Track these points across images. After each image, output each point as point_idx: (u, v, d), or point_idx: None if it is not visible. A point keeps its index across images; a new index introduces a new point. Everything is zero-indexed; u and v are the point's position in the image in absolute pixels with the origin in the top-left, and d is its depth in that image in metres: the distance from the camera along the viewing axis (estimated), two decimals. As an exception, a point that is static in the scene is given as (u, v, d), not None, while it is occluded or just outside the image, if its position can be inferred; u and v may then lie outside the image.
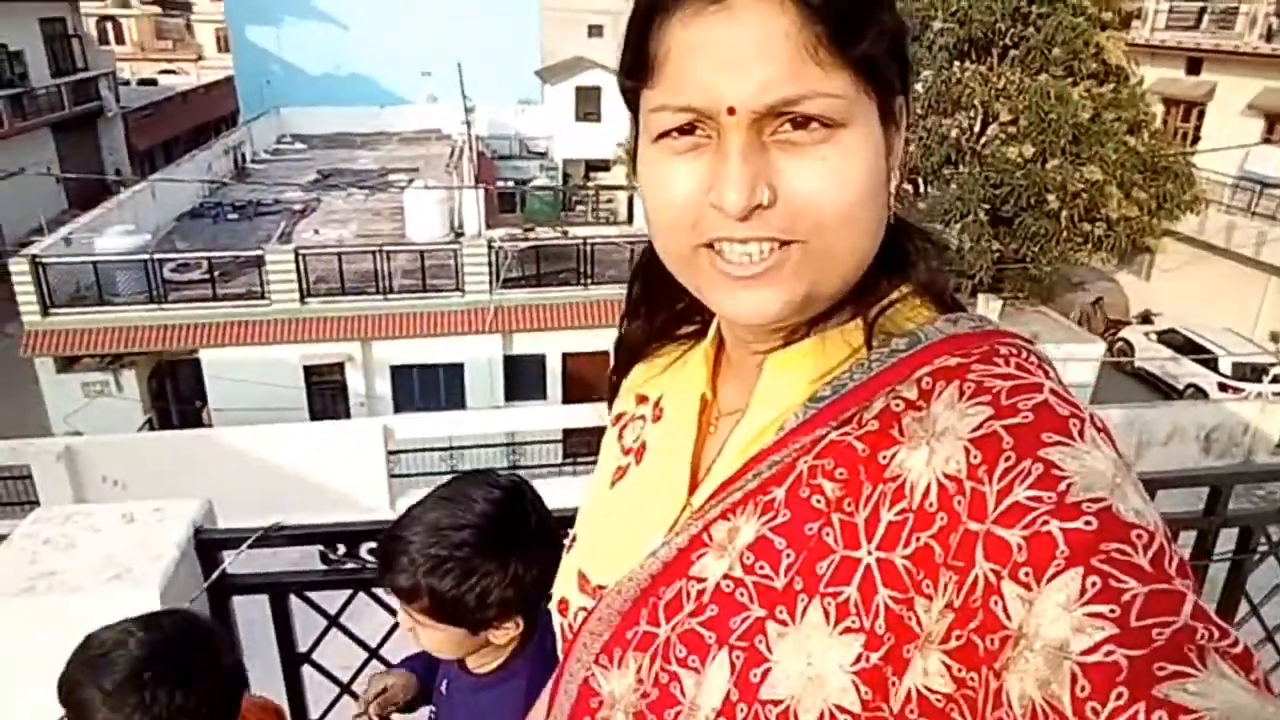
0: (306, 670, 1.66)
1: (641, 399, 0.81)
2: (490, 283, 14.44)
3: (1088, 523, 0.45)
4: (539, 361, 15.25)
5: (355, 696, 1.61)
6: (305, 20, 27.17)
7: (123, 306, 13.52)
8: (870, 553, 0.54)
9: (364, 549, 1.49)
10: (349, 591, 1.56)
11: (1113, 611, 0.42)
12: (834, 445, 0.59)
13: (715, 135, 0.56)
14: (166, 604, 1.35)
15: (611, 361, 0.85)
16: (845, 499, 0.57)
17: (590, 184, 25.08)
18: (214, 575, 1.45)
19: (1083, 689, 0.41)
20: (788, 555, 0.58)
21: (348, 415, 13.99)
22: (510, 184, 23.53)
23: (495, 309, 14.46)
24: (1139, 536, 0.45)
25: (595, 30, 27.48)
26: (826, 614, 0.54)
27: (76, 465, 9.59)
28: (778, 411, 0.63)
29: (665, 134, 0.58)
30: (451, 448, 12.19)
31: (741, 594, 0.59)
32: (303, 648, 1.63)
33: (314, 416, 13.85)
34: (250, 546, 1.45)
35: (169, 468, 9.29)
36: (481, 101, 22.29)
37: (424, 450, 11.76)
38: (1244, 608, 1.91)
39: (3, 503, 10.20)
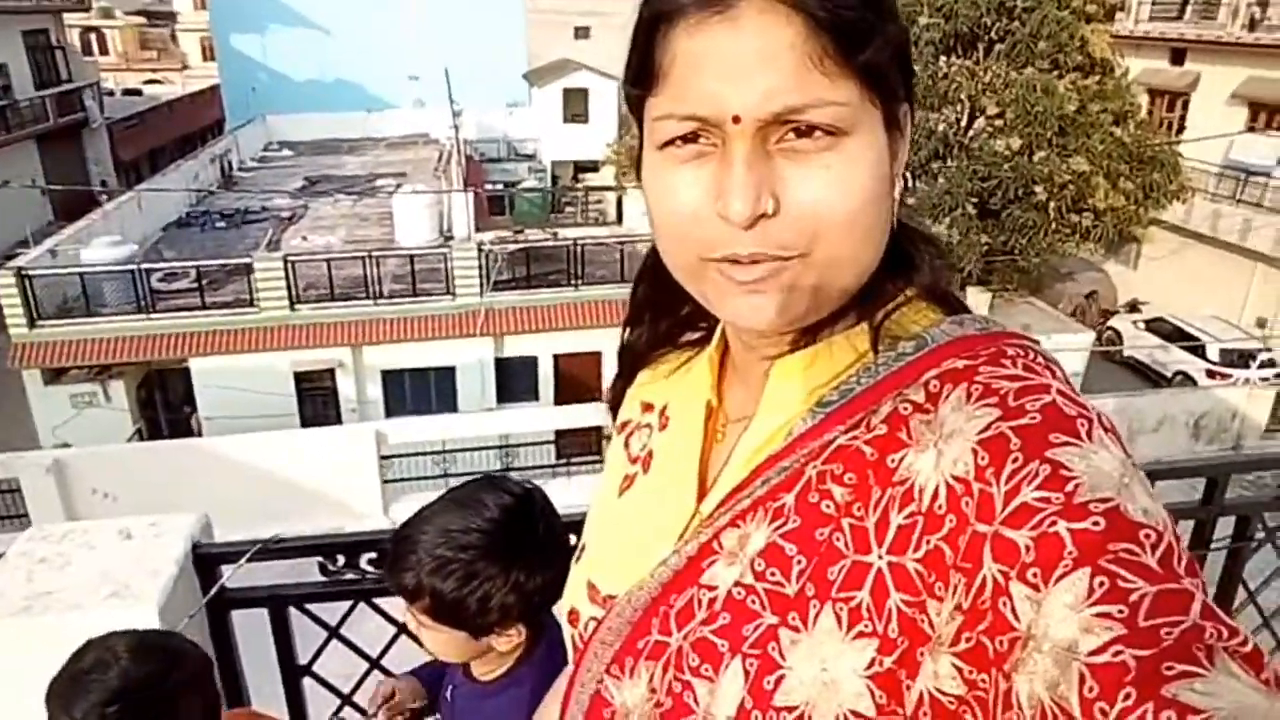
0: (307, 682, 1.65)
1: (647, 406, 0.81)
2: (481, 285, 14.43)
3: (1095, 523, 0.45)
4: (530, 363, 15.25)
5: (356, 707, 1.60)
6: (290, 27, 27.09)
7: (110, 317, 13.44)
8: (881, 557, 0.54)
9: (364, 560, 1.48)
10: (349, 602, 1.55)
11: (1121, 612, 0.42)
12: (842, 450, 0.59)
13: (720, 144, 0.56)
14: (165, 621, 1.34)
15: (616, 368, 0.85)
16: (855, 503, 0.57)
17: (579, 185, 25.07)
18: (213, 591, 1.44)
19: (1091, 689, 0.41)
20: (799, 561, 0.58)
21: (339, 421, 13.95)
22: (499, 187, 23.51)
23: (486, 312, 14.44)
24: (1147, 536, 0.45)
25: (581, 32, 27.47)
26: (839, 619, 0.54)
27: (66, 478, 9.54)
28: (785, 417, 0.63)
29: (670, 142, 0.58)
30: (444, 451, 12.17)
31: (753, 601, 0.59)
32: (303, 659, 1.62)
33: (305, 423, 13.79)
34: (249, 560, 1.44)
35: (160, 478, 9.25)
36: (469, 105, 22.26)
37: (417, 455, 11.74)
38: (1240, 595, 1.92)
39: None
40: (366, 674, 1.61)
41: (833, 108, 0.54)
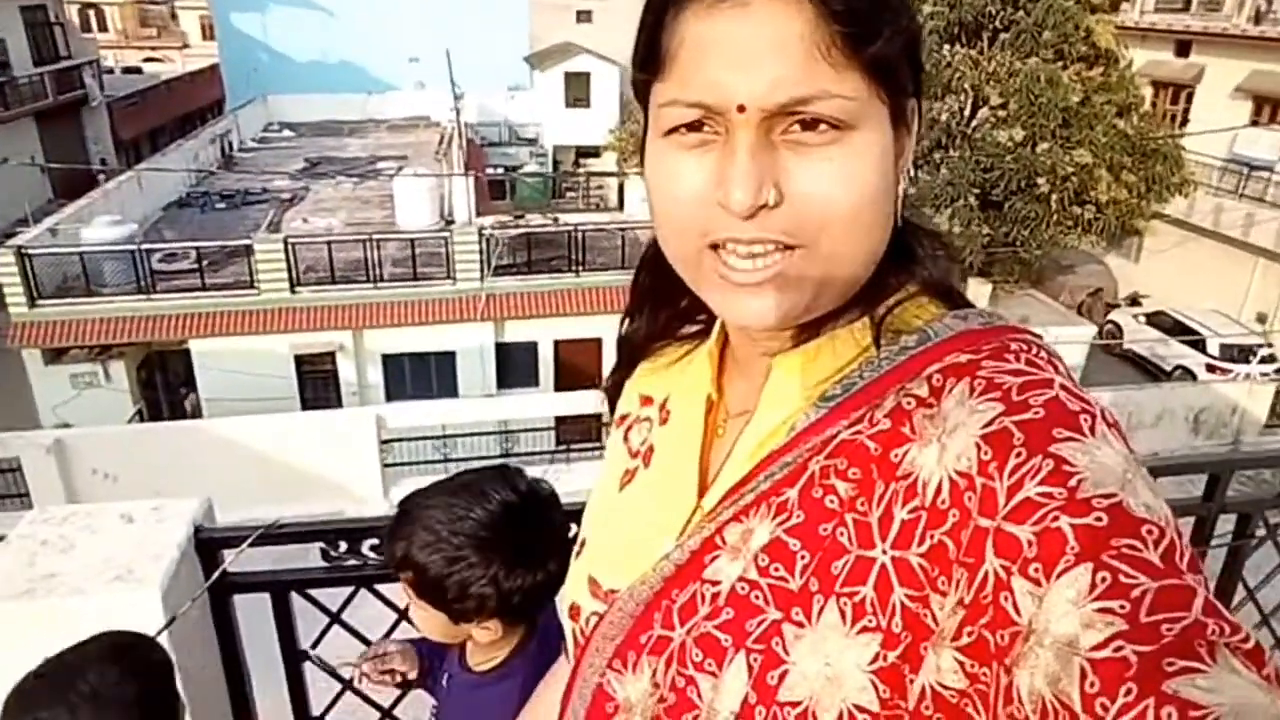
0: (308, 666, 1.65)
1: (646, 400, 0.80)
2: (481, 270, 14.40)
3: (1098, 519, 0.45)
4: (531, 349, 15.24)
5: (358, 693, 1.61)
6: (291, 6, 26.93)
7: (110, 297, 13.41)
8: (885, 552, 0.54)
9: (365, 546, 1.49)
10: (350, 588, 1.55)
11: (1122, 607, 0.42)
12: (846, 444, 0.58)
13: (724, 132, 0.55)
14: (168, 605, 1.34)
15: (615, 359, 0.84)
16: (859, 498, 0.56)
17: (580, 170, 24.99)
18: (215, 575, 1.44)
19: (1092, 685, 0.41)
20: (802, 556, 0.58)
21: (339, 405, 13.95)
22: (500, 171, 23.42)
23: (486, 297, 14.42)
24: (1149, 532, 0.45)
25: (584, 15, 27.30)
26: (843, 614, 0.54)
27: (66, 458, 9.55)
28: (787, 412, 0.63)
29: (674, 129, 0.57)
30: (444, 436, 12.18)
31: (757, 596, 0.59)
32: (304, 644, 1.62)
33: (305, 406, 13.81)
34: (251, 545, 1.44)
35: (160, 460, 9.26)
36: (470, 88, 22.16)
37: (417, 439, 11.76)
38: (1240, 592, 1.93)
39: (-7, 496, 10.15)
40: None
41: (839, 101, 0.53)
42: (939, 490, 0.52)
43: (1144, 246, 19.04)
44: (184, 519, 1.47)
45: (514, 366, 15.20)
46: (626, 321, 0.81)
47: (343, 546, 1.48)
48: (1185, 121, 19.48)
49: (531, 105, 25.59)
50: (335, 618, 1.58)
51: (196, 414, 13.68)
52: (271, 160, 21.30)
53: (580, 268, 14.92)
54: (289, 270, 13.76)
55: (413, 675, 1.35)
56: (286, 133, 24.56)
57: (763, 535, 0.60)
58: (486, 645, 1.21)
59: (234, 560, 1.47)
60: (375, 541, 1.48)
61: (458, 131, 19.62)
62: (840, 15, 0.52)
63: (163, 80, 33.29)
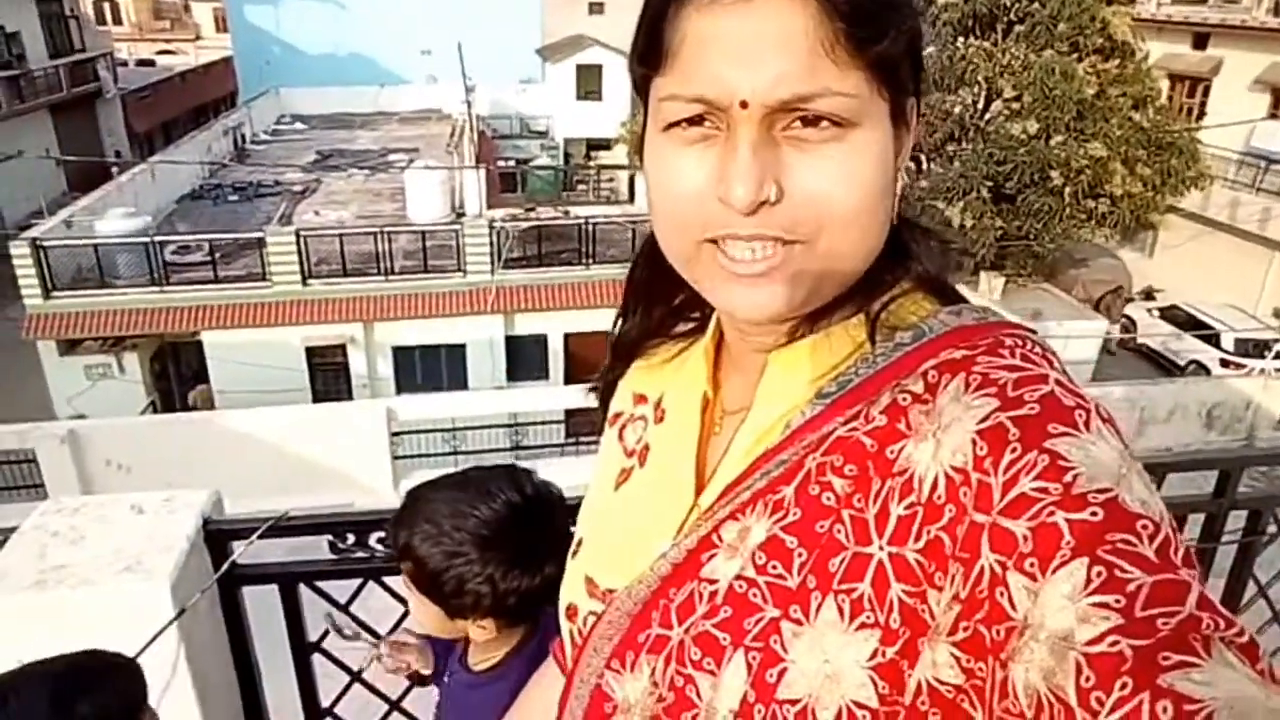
0: (316, 658, 1.66)
1: (640, 398, 0.80)
2: (492, 263, 14.42)
3: (1094, 514, 0.45)
4: (541, 342, 15.27)
5: (366, 685, 1.62)
6: (303, -1, 26.97)
7: (124, 289, 13.52)
8: (882, 548, 0.54)
9: (373, 538, 1.49)
10: (358, 580, 1.56)
11: (1118, 602, 0.42)
12: (842, 441, 0.58)
13: (725, 128, 0.55)
14: (177, 596, 1.35)
15: (608, 358, 0.84)
16: (855, 495, 0.56)
17: (591, 163, 24.96)
18: (224, 567, 1.45)
19: (1087, 679, 0.41)
20: (800, 554, 0.57)
21: (350, 397, 14.01)
22: (511, 163, 23.42)
23: (497, 289, 14.45)
24: (1144, 527, 0.45)
25: (596, 8, 27.25)
26: (841, 611, 0.54)
27: (81, 449, 9.63)
28: (783, 409, 0.63)
29: (675, 124, 0.57)
30: (454, 429, 12.22)
31: (755, 594, 0.59)
32: (313, 636, 1.63)
33: (316, 398, 13.88)
34: (260, 537, 1.45)
35: (173, 451, 9.33)
36: (482, 80, 22.15)
37: (427, 432, 11.80)
38: (1251, 589, 1.92)
39: (9, 486, 10.24)
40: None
41: (841, 98, 0.53)
42: (935, 486, 0.52)
43: (1158, 240, 18.90)
44: (194, 511, 1.48)
45: (524, 359, 15.23)
46: (619, 321, 0.81)
47: (351, 539, 1.49)
48: (1202, 114, 19.30)
49: (543, 98, 25.58)
50: (344, 610, 1.58)
51: (194, 408, 13.74)
52: (283, 153, 21.37)
53: (590, 260, 14.93)
54: (301, 263, 13.82)
55: (426, 671, 1.36)
56: (298, 125, 24.62)
57: (760, 533, 0.60)
58: (485, 644, 1.21)
59: (243, 552, 1.48)
60: (383, 534, 1.49)
61: (469, 124, 19.63)
62: (844, 12, 0.52)
63: (176, 73, 33.47)
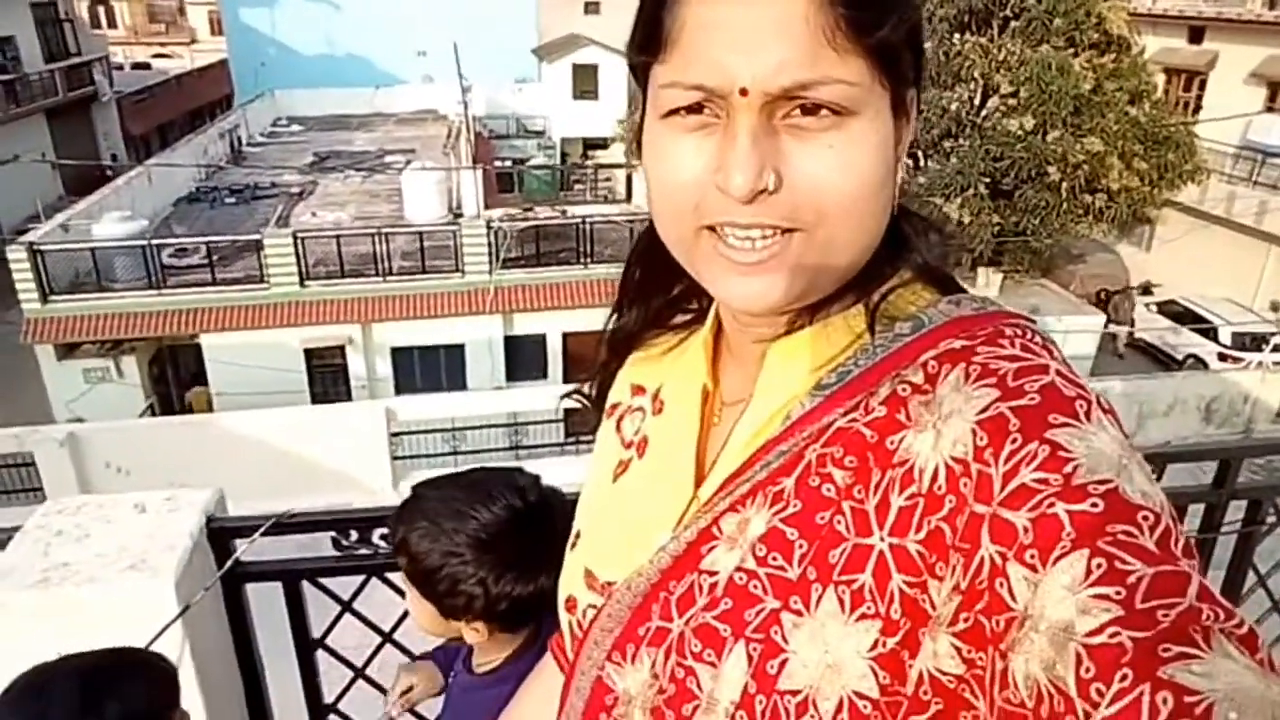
0: (321, 654, 1.67)
1: (638, 389, 0.80)
2: (490, 263, 14.42)
3: (1094, 505, 0.45)
4: (539, 341, 15.26)
5: (370, 681, 1.62)
6: (298, 1, 26.91)
7: (122, 293, 13.50)
8: (883, 539, 0.54)
9: (376, 535, 1.50)
10: (361, 577, 1.56)
11: (1118, 593, 0.42)
12: (842, 432, 0.58)
13: (725, 116, 0.55)
14: (181, 594, 1.35)
15: (604, 350, 0.83)
16: (855, 486, 0.56)
17: (588, 162, 24.95)
18: (228, 564, 1.45)
19: (1087, 670, 0.41)
20: (800, 545, 0.57)
21: (349, 398, 14.00)
22: (508, 164, 23.40)
23: (495, 289, 14.44)
24: (1145, 518, 0.45)
25: (591, 7, 27.21)
26: (841, 602, 0.54)
27: (80, 452, 9.62)
28: (782, 400, 0.63)
29: (674, 111, 0.57)
30: (454, 429, 12.21)
31: (755, 586, 0.59)
32: (316, 633, 1.64)
33: (315, 400, 13.88)
34: (262, 534, 1.45)
35: (172, 453, 9.32)
36: (478, 81, 22.12)
37: (426, 432, 11.79)
38: (1250, 579, 1.92)
39: (7, 490, 10.23)
40: (379, 647, 1.63)
41: (842, 86, 0.53)
42: (935, 477, 0.52)
43: (1155, 235, 18.90)
44: (196, 509, 1.48)
45: (523, 359, 15.22)
46: (614, 316, 0.80)
47: (354, 536, 1.49)
48: (1198, 108, 19.31)
49: (539, 97, 25.55)
50: (347, 606, 1.59)
51: (191, 410, 13.72)
52: (280, 155, 21.34)
53: (589, 259, 14.92)
54: (298, 264, 13.81)
55: (436, 690, 1.36)
56: (295, 127, 24.59)
57: (759, 525, 0.60)
58: (486, 647, 1.21)
59: (246, 550, 1.48)
60: (386, 531, 1.49)
61: (465, 125, 19.60)
62: None
63: (172, 76, 33.42)
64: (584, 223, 15.20)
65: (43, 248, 13.28)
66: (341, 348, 14.40)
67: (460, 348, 14.87)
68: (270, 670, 1.68)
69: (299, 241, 13.87)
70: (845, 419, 0.58)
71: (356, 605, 1.59)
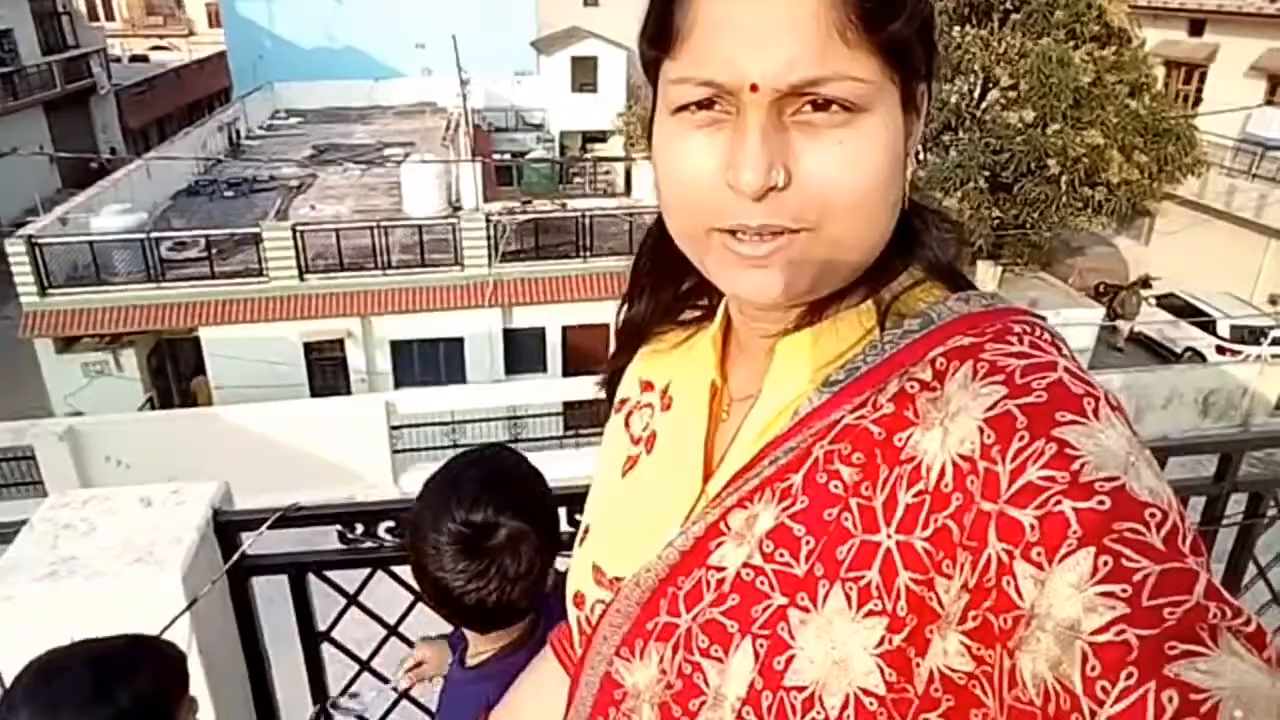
0: (326, 647, 1.67)
1: (647, 385, 0.80)
2: (489, 256, 14.40)
3: (1101, 502, 0.45)
4: (539, 335, 15.25)
5: (375, 673, 1.63)
6: (297, -7, 26.82)
7: (121, 286, 13.47)
8: (890, 536, 0.54)
9: (381, 528, 1.50)
10: (367, 570, 1.57)
11: (1124, 591, 0.42)
12: (850, 429, 0.58)
13: (735, 112, 0.55)
14: (188, 586, 1.36)
15: (613, 344, 0.83)
16: (863, 483, 0.56)
17: (588, 156, 24.90)
18: (234, 557, 1.46)
19: (1093, 668, 0.42)
20: (807, 542, 0.58)
21: (348, 391, 14.00)
22: (507, 157, 23.35)
23: (494, 283, 14.42)
24: (1152, 515, 0.45)
25: (590, 0, 27.12)
26: (848, 598, 0.54)
27: (80, 445, 9.62)
28: (791, 396, 0.63)
29: (684, 107, 0.57)
30: (454, 422, 12.22)
31: (762, 582, 0.59)
32: (322, 626, 1.64)
33: (315, 393, 13.86)
34: (269, 528, 1.46)
35: (172, 447, 9.32)
36: (476, 73, 22.04)
37: (426, 425, 11.80)
38: (1250, 571, 1.93)
39: (7, 484, 10.24)
40: (384, 640, 1.63)
41: (852, 83, 0.53)
42: (942, 474, 0.52)
43: (1155, 228, 18.89)
44: (203, 502, 1.49)
45: (522, 352, 15.22)
46: (625, 306, 0.80)
47: (359, 529, 1.50)
48: (1198, 101, 19.28)
49: (538, 90, 25.47)
50: (353, 599, 1.59)
51: (194, 396, 13.71)
52: (279, 148, 21.29)
53: (588, 253, 14.90)
54: (297, 258, 13.79)
55: (444, 669, 1.36)
56: (293, 120, 24.52)
57: (767, 521, 0.60)
58: (476, 640, 1.21)
59: (252, 542, 1.49)
60: (392, 524, 1.49)
61: (464, 117, 19.57)
62: None
63: (170, 68, 33.31)
64: (583, 216, 15.17)
65: (41, 241, 13.25)
66: (341, 341, 14.39)
67: (459, 341, 14.87)
68: (276, 662, 1.69)
69: (298, 234, 13.84)
70: (853, 415, 0.58)
71: (362, 598, 1.60)
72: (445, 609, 1.15)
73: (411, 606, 1.51)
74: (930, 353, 0.57)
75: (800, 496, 0.59)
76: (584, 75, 24.26)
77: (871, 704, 0.53)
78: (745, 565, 0.60)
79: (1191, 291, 16.24)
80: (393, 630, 1.61)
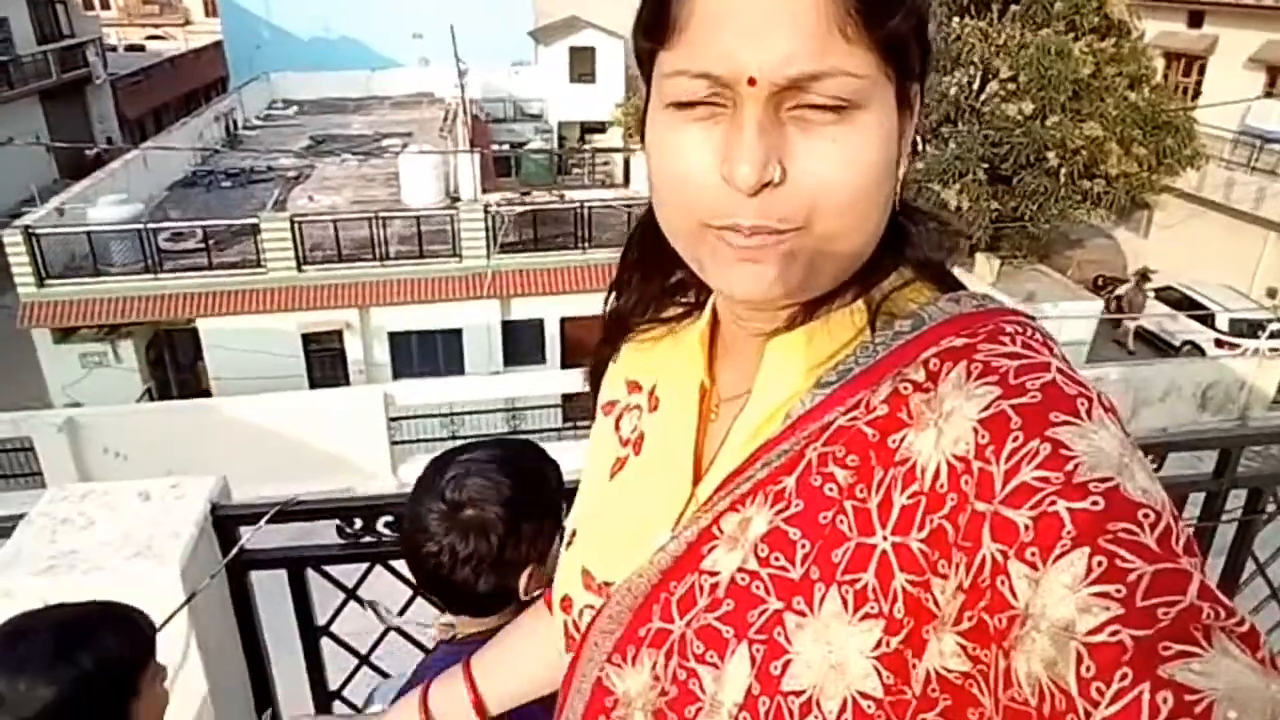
0: (325, 641, 1.67)
1: (634, 385, 0.79)
2: (487, 247, 14.38)
3: (1095, 503, 0.45)
4: (537, 326, 15.25)
5: (374, 667, 1.63)
6: (293, -18, 26.71)
7: (118, 277, 13.47)
8: (885, 538, 0.54)
9: (380, 523, 1.50)
10: (366, 564, 1.57)
11: (1119, 591, 0.42)
12: (843, 431, 0.58)
13: (731, 106, 0.54)
14: (187, 580, 1.36)
15: (602, 334, 0.83)
16: (857, 485, 0.56)
17: (586, 146, 24.85)
18: (233, 552, 1.45)
19: (1088, 669, 0.42)
20: (802, 545, 0.57)
21: (347, 382, 14.01)
22: (505, 147, 23.29)
23: (493, 274, 14.42)
24: (1146, 516, 0.45)
25: (588, -11, 27.01)
26: (844, 602, 0.54)
27: (78, 437, 9.62)
28: (782, 397, 0.62)
29: (679, 100, 0.56)
30: (452, 414, 12.22)
31: (757, 587, 0.58)
32: (321, 619, 1.64)
33: (313, 384, 13.87)
34: (268, 522, 1.46)
35: (170, 438, 9.32)
36: (474, 64, 21.93)
37: (425, 416, 11.80)
38: (1250, 566, 1.94)
39: (5, 475, 10.23)
40: (383, 634, 1.63)
41: (849, 79, 0.52)
42: (937, 475, 0.52)
43: (1153, 220, 18.88)
44: (201, 496, 1.49)
45: (520, 343, 15.22)
46: (614, 294, 0.79)
47: (358, 524, 1.50)
48: (1197, 93, 19.25)
49: (536, 81, 25.38)
50: (351, 594, 1.59)
51: (197, 384, 13.70)
52: (276, 138, 21.23)
53: (586, 244, 14.90)
54: (295, 249, 13.77)
55: None
56: (290, 110, 24.45)
57: (761, 524, 0.60)
58: (462, 625, 1.22)
59: (251, 537, 1.49)
60: (390, 519, 1.49)
61: (462, 108, 19.50)
62: None
63: (166, 58, 33.18)
64: (582, 207, 15.16)
65: (39, 231, 13.23)
66: (339, 332, 14.38)
67: (458, 332, 14.86)
68: (275, 656, 1.69)
69: (296, 225, 13.82)
70: (846, 417, 0.58)
71: (361, 591, 1.60)
72: (422, 581, 1.16)
73: (411, 600, 1.51)
74: (923, 354, 0.57)
75: (794, 500, 0.58)
76: (582, 65, 24.18)
77: (869, 707, 0.53)
78: (740, 570, 0.60)
79: (1190, 284, 16.25)
80: (391, 625, 1.61)
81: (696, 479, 0.68)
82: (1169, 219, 18.35)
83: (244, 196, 16.95)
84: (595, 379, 0.85)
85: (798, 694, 0.55)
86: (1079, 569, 0.43)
